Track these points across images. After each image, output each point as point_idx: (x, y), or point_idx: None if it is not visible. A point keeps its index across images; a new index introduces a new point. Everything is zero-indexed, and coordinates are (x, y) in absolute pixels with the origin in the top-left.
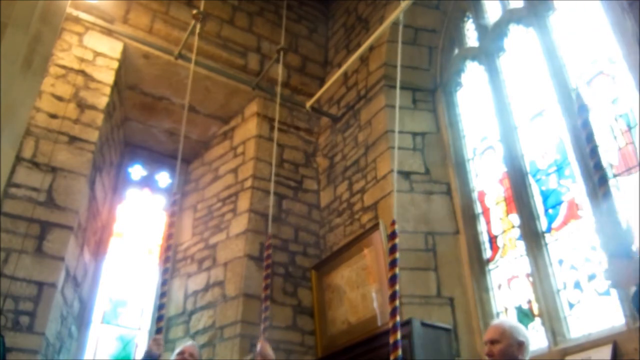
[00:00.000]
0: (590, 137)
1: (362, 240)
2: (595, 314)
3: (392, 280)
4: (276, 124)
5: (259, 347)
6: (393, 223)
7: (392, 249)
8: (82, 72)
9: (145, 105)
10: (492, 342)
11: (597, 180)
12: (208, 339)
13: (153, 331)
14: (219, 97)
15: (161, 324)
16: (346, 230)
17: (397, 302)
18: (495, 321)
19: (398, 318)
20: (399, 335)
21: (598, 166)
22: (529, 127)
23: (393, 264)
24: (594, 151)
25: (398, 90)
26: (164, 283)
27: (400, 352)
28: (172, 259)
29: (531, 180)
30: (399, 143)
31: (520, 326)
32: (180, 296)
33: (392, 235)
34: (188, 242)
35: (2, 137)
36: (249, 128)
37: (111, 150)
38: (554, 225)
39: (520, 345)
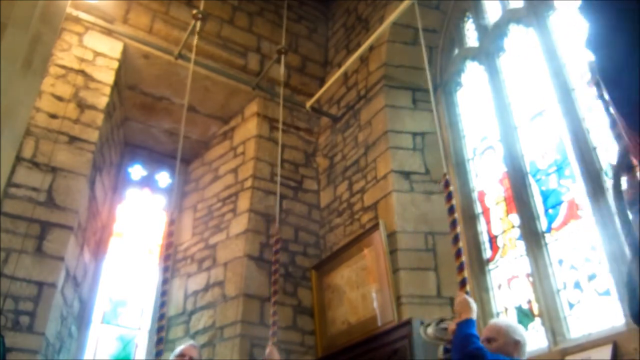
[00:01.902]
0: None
1: (362, 240)
2: (595, 314)
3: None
4: (280, 125)
5: (267, 351)
6: (445, 175)
7: (449, 197)
8: (82, 72)
9: (145, 105)
10: (489, 340)
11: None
12: (208, 339)
13: (153, 331)
14: (219, 97)
15: (163, 322)
16: (346, 230)
17: (463, 258)
18: (493, 320)
19: (465, 274)
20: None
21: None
22: (529, 127)
23: (451, 210)
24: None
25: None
26: (165, 282)
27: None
28: (171, 260)
29: (531, 180)
30: (398, 143)
31: (518, 325)
32: (180, 296)
33: (447, 184)
34: (188, 242)
35: (2, 137)
36: (249, 128)
37: (111, 150)
38: (554, 225)
39: (516, 344)
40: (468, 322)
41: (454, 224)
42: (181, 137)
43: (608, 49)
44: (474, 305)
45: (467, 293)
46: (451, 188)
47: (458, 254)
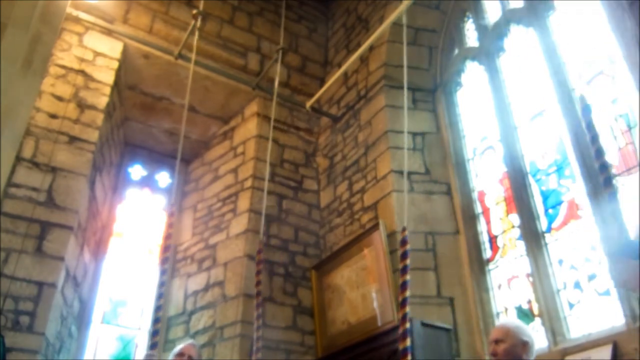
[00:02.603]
0: (594, 139)
1: (362, 240)
2: (595, 314)
3: (403, 286)
4: (272, 123)
5: None
6: (404, 230)
7: (404, 256)
8: (82, 72)
9: (145, 105)
10: (497, 341)
11: (603, 181)
12: (208, 339)
13: (153, 331)
14: (219, 97)
15: (158, 325)
16: (346, 230)
17: (408, 309)
18: (501, 321)
19: (408, 325)
20: (408, 342)
21: (604, 168)
22: (529, 127)
23: (404, 270)
24: (599, 152)
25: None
26: (162, 284)
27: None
28: (171, 260)
29: (531, 180)
30: (398, 143)
31: (525, 326)
32: (180, 296)
33: (403, 243)
34: (188, 242)
35: (2, 137)
36: (249, 128)
37: (111, 150)
38: (554, 225)
39: (525, 345)
40: None
41: (404, 285)
42: (182, 137)
43: None
44: None
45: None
46: (408, 247)
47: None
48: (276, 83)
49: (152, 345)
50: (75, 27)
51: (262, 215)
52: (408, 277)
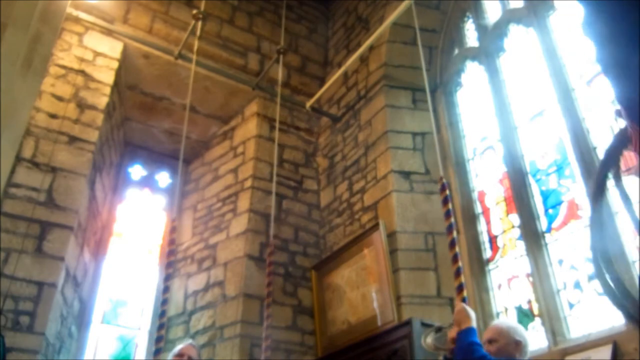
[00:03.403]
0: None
1: (362, 240)
2: (595, 314)
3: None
4: (277, 124)
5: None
6: (441, 179)
7: (445, 201)
8: (82, 72)
9: (145, 105)
10: (490, 341)
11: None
12: (208, 339)
13: (153, 331)
14: (219, 97)
15: (162, 332)
16: (346, 230)
17: (460, 263)
18: (495, 321)
19: (463, 279)
20: (464, 293)
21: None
22: (529, 127)
23: (448, 213)
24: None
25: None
26: (166, 290)
27: None
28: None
29: (531, 180)
30: (398, 143)
31: (519, 326)
32: (180, 296)
33: (443, 188)
34: (188, 242)
35: (2, 137)
36: (249, 128)
37: (111, 150)
38: (554, 225)
39: (518, 345)
40: (469, 331)
41: (450, 227)
42: (183, 137)
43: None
44: (472, 314)
45: (464, 300)
46: (447, 192)
47: (455, 258)
48: (279, 83)
49: (157, 351)
50: (75, 27)
51: (271, 216)
52: (452, 220)
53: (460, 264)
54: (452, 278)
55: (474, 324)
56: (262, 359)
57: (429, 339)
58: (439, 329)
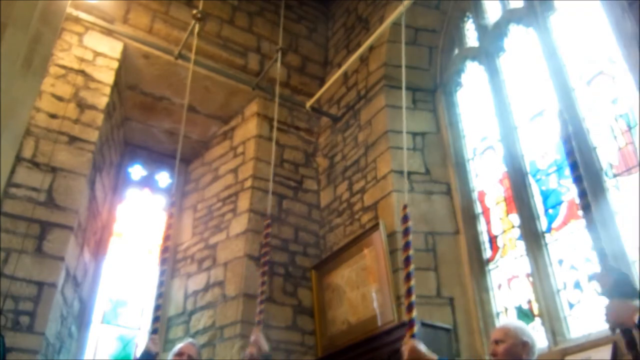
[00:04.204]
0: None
1: (362, 240)
2: (595, 313)
3: (407, 277)
4: (275, 123)
5: (252, 338)
6: (406, 219)
7: (406, 246)
8: (82, 72)
9: (145, 105)
10: (497, 342)
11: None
12: (208, 339)
13: (152, 329)
14: (219, 97)
15: (157, 325)
16: (346, 230)
17: (413, 297)
18: (502, 322)
19: (414, 313)
20: (415, 329)
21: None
22: (529, 127)
23: (407, 260)
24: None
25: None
26: (161, 284)
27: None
28: (171, 260)
29: (531, 180)
30: (398, 143)
31: (526, 327)
32: (180, 296)
33: (406, 233)
34: (188, 242)
35: (2, 137)
36: (249, 128)
37: (111, 150)
38: (554, 225)
39: (525, 345)
40: None
41: (408, 277)
42: (181, 137)
43: None
44: (425, 347)
45: (413, 336)
46: (410, 237)
47: (409, 292)
48: (277, 83)
49: (154, 331)
50: (75, 27)
51: (268, 215)
52: (412, 268)
53: (413, 298)
54: (453, 278)
55: (434, 356)
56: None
57: None
58: None
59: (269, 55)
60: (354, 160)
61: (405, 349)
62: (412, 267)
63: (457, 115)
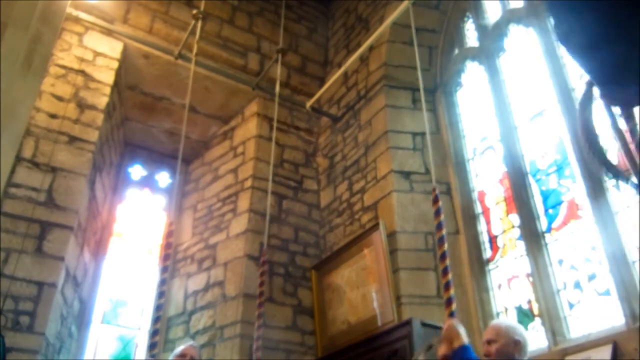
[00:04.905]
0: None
1: (362, 240)
2: (595, 314)
3: (440, 241)
4: (275, 123)
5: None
6: (434, 190)
7: (437, 212)
8: (82, 72)
9: (145, 105)
10: (489, 341)
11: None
12: (208, 339)
13: (153, 331)
14: (219, 97)
15: (158, 325)
16: (346, 230)
17: (449, 277)
18: (494, 321)
19: (452, 291)
20: (453, 307)
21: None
22: (529, 127)
23: (439, 226)
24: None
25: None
26: (163, 282)
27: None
28: (171, 260)
29: (531, 180)
30: (398, 143)
31: (518, 326)
32: (180, 296)
33: (436, 199)
34: (188, 242)
35: (2, 137)
36: (249, 128)
37: (111, 150)
38: (554, 225)
39: (517, 344)
40: (465, 349)
41: (441, 240)
42: (182, 137)
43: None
44: (462, 330)
45: (451, 315)
46: (440, 204)
47: (445, 271)
48: (277, 83)
49: (152, 346)
50: (75, 27)
51: (267, 215)
52: (444, 232)
53: (449, 277)
54: (452, 278)
55: (466, 340)
56: (253, 359)
57: (421, 357)
58: (429, 347)
59: (269, 55)
60: (354, 160)
61: (444, 326)
62: (444, 231)
63: (457, 115)
